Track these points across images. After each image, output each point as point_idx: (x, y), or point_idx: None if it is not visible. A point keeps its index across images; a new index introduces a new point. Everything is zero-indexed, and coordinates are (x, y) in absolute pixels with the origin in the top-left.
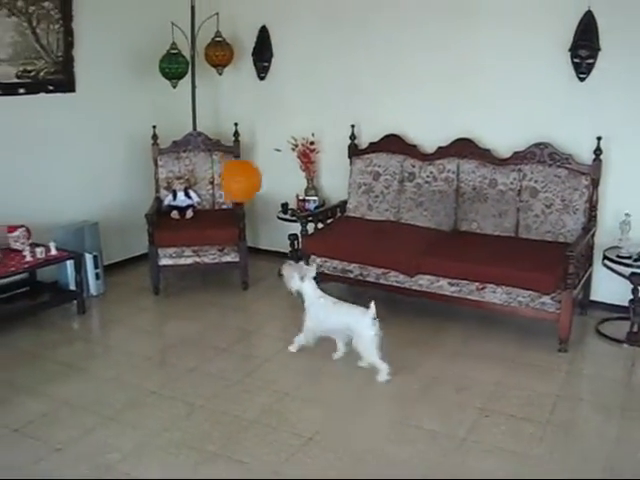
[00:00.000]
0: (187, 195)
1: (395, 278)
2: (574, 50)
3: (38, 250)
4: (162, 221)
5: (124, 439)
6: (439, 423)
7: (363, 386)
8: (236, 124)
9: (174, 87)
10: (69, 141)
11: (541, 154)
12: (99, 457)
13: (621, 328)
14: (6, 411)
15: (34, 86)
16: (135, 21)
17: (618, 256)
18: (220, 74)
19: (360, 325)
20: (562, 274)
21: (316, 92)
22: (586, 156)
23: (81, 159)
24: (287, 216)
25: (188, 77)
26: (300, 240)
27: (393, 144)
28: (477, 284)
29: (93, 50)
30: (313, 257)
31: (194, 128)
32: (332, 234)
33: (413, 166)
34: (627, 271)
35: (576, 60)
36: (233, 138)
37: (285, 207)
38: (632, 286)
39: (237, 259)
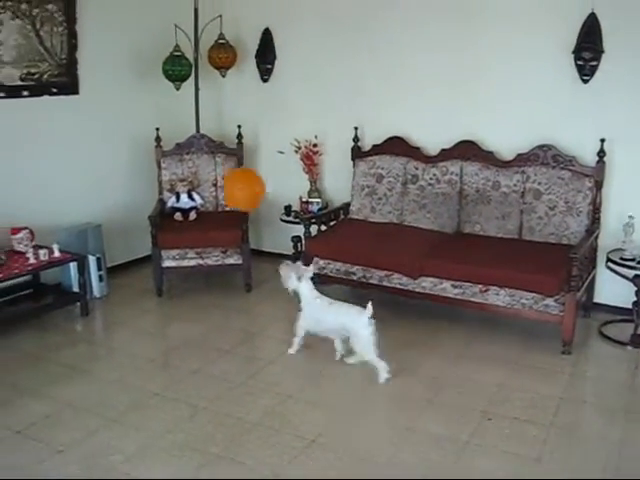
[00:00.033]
0: (190, 197)
1: (398, 280)
2: (577, 52)
3: (41, 252)
4: (165, 223)
5: (127, 441)
6: (442, 426)
7: (366, 388)
8: (239, 126)
9: (177, 89)
10: (73, 143)
11: (544, 156)
12: (102, 459)
13: (625, 330)
14: (9, 413)
15: (38, 88)
16: (138, 23)
17: (622, 258)
18: (223, 76)
19: (357, 325)
20: (566, 276)
21: (319, 94)
22: (590, 158)
23: (84, 161)
24: (290, 218)
25: (191, 79)
26: (303, 242)
27: (396, 146)
28: (480, 286)
29: (97, 52)
30: (316, 259)
31: (197, 130)
32: (335, 236)
33: (416, 168)
34: (631, 273)
35: (579, 62)
36: (236, 140)
37: (288, 209)
38: (636, 288)
39: (240, 261)
